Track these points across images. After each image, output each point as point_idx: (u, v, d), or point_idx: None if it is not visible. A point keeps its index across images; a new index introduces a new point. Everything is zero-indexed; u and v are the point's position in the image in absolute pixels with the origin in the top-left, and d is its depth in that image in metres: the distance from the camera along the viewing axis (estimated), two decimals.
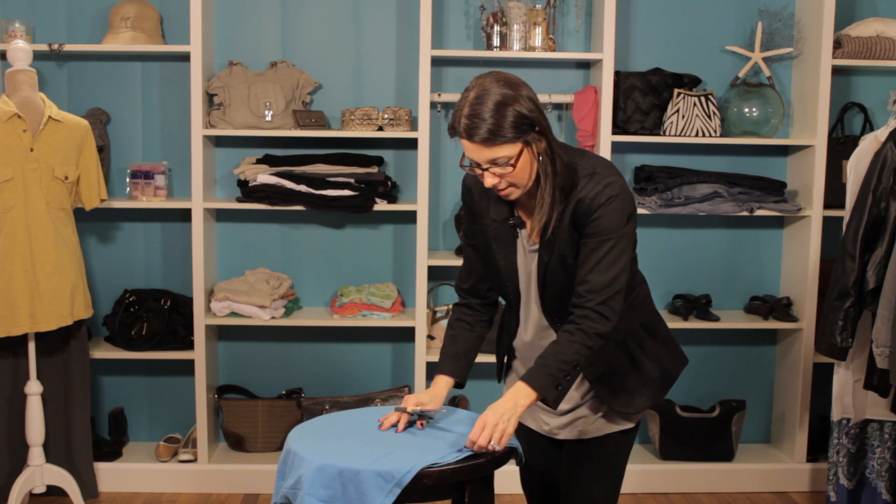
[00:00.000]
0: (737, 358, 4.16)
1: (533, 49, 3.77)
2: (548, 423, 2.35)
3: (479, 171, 2.11)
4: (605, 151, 3.73)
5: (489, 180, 2.10)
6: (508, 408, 2.07)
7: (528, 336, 2.31)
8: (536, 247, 2.21)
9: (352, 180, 3.75)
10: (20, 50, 3.37)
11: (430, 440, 2.15)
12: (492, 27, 3.77)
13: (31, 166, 3.30)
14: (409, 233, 3.97)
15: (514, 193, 2.14)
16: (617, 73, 3.80)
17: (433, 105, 3.86)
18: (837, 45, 3.79)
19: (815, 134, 3.80)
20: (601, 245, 2.10)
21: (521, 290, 2.28)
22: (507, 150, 2.05)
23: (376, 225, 4.03)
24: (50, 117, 3.35)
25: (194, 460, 3.84)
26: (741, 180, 3.89)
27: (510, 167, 2.07)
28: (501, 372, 2.49)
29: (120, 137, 3.94)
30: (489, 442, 2.04)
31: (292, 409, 3.94)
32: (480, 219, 2.28)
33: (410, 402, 2.24)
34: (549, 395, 2.09)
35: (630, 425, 2.31)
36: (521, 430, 2.37)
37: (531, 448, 2.40)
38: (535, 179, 2.13)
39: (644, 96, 3.81)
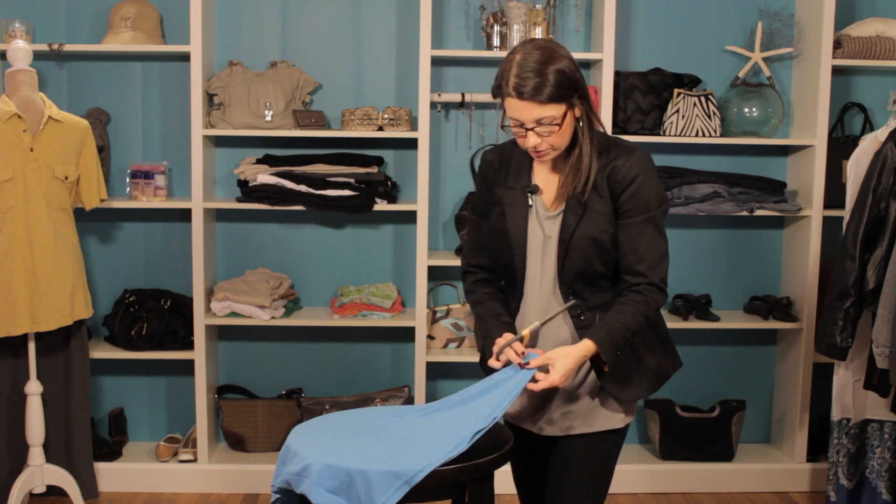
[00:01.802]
0: (737, 358, 4.16)
1: None
2: (538, 418, 2.35)
3: (522, 132, 2.15)
4: None
5: (532, 140, 2.14)
6: (571, 368, 2.15)
7: (543, 304, 2.28)
8: (555, 213, 2.23)
9: (352, 180, 3.75)
10: (20, 50, 3.37)
11: (436, 434, 2.13)
12: (492, 27, 3.77)
13: (31, 166, 3.30)
14: (409, 233, 3.97)
15: (550, 155, 2.19)
16: (617, 73, 3.80)
17: (433, 105, 3.85)
18: (837, 45, 3.79)
19: (815, 134, 3.80)
20: (649, 221, 2.18)
21: (526, 259, 2.28)
22: (554, 111, 2.10)
23: (376, 225, 4.03)
24: (50, 117, 3.35)
25: (194, 460, 3.84)
26: (741, 180, 3.89)
27: (556, 126, 2.12)
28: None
29: (120, 137, 3.94)
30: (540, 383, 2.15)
31: (292, 409, 3.94)
32: (498, 188, 2.31)
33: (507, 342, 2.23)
34: (610, 359, 2.18)
35: (620, 424, 2.31)
36: (512, 430, 2.37)
37: (522, 447, 2.40)
38: (567, 147, 2.19)
39: (644, 96, 3.81)
